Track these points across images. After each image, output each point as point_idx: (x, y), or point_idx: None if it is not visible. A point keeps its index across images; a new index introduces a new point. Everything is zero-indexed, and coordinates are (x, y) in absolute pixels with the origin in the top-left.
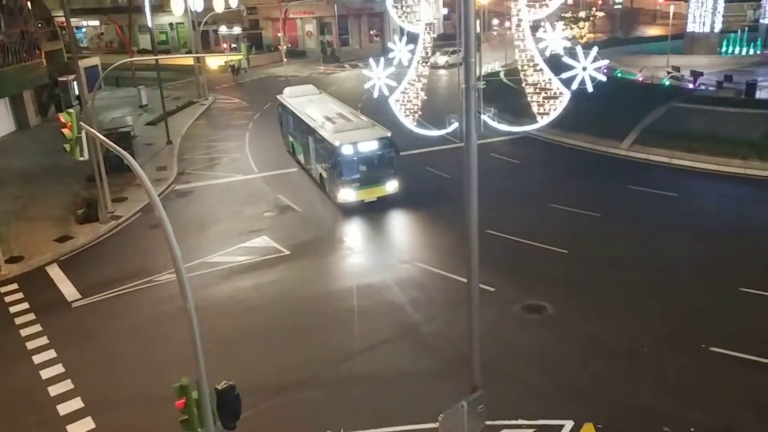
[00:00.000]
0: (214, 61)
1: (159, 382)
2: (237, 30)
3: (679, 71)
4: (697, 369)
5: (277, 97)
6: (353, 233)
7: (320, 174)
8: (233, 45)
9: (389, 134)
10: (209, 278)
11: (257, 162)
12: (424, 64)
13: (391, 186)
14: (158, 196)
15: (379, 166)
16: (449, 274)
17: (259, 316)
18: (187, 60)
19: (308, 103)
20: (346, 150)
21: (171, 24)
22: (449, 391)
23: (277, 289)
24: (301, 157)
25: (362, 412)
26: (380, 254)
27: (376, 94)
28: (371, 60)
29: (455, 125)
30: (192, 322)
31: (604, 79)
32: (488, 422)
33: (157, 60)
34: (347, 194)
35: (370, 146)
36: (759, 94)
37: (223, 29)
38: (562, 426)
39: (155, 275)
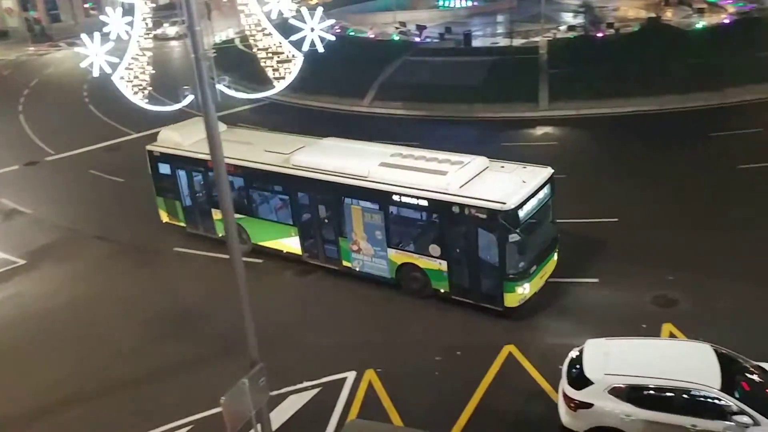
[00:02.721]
0: None
1: None
2: None
3: (405, 26)
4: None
5: (148, 148)
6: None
7: (414, 274)
8: None
9: (550, 170)
10: None
11: None
12: (146, 36)
13: (556, 251)
14: None
15: (544, 227)
16: (211, 254)
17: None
18: None
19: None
20: (521, 215)
21: None
22: (232, 374)
23: (18, 304)
24: (293, 241)
25: (138, 416)
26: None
27: (96, 73)
28: (84, 36)
29: (191, 97)
30: None
31: (332, 38)
32: (273, 393)
33: None
34: (521, 292)
35: (539, 198)
36: (475, 43)
37: None
38: (345, 378)
39: None
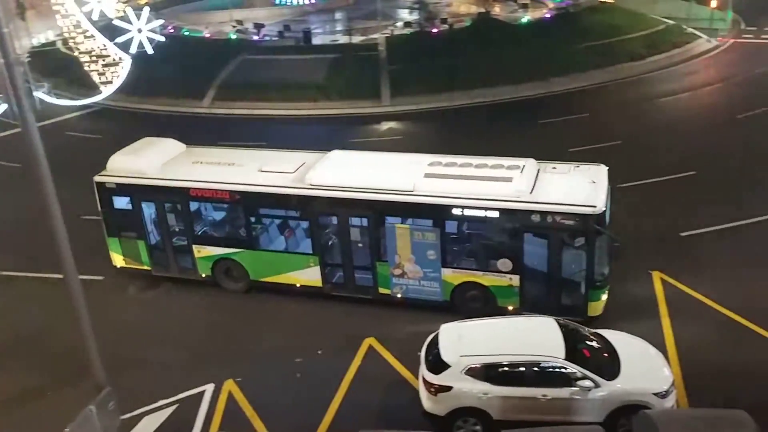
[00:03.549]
0: None
1: None
2: None
3: (242, 24)
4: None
5: (98, 180)
6: None
7: (473, 293)
8: None
9: (604, 167)
10: None
11: None
12: None
13: None
14: None
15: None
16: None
17: None
18: None
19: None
20: (607, 217)
21: None
22: (77, 401)
23: None
24: (311, 273)
25: None
26: None
27: None
28: None
29: (4, 106)
30: None
31: (162, 39)
32: (125, 416)
33: None
34: (605, 299)
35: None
36: (315, 40)
37: None
38: (203, 392)
39: None
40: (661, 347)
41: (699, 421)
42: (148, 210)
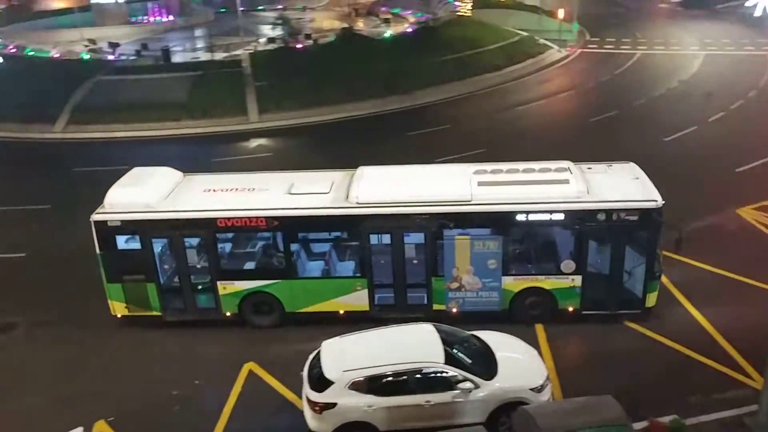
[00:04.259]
0: None
1: None
2: None
3: (96, 44)
4: None
5: (97, 219)
6: None
7: (533, 299)
8: None
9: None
10: None
11: None
12: None
13: None
14: None
15: None
16: None
17: None
18: None
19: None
20: (662, 210)
21: None
22: None
23: None
24: (357, 297)
25: None
26: None
27: None
28: None
29: None
30: None
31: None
32: None
33: None
34: (657, 290)
35: None
36: (175, 58)
37: None
38: None
39: None
40: (533, 344)
41: (571, 409)
42: (160, 248)
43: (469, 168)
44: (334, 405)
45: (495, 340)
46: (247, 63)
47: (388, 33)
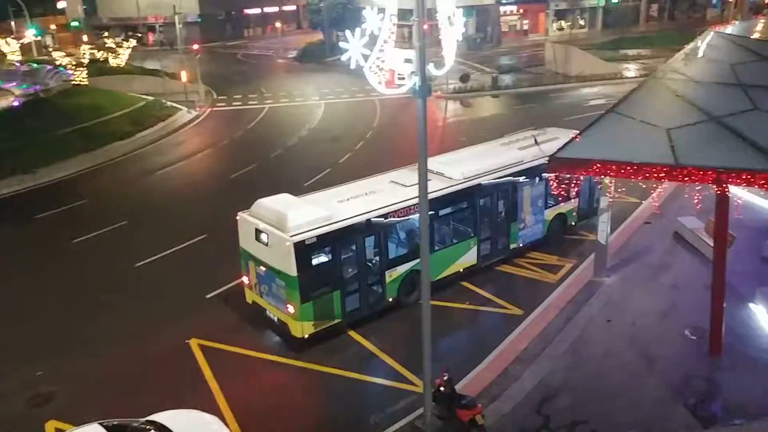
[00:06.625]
0: None
1: None
2: None
3: None
4: None
5: (297, 241)
6: None
7: (557, 222)
8: None
9: None
10: None
11: None
12: None
13: None
14: None
15: None
16: None
17: None
18: None
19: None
20: None
21: None
22: None
23: None
24: (470, 255)
25: None
26: None
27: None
28: None
29: None
30: None
31: None
32: None
33: None
34: None
35: None
36: None
37: None
38: None
39: None
40: (215, 411)
41: None
42: (344, 254)
43: (501, 141)
44: None
45: (171, 418)
46: None
47: None
